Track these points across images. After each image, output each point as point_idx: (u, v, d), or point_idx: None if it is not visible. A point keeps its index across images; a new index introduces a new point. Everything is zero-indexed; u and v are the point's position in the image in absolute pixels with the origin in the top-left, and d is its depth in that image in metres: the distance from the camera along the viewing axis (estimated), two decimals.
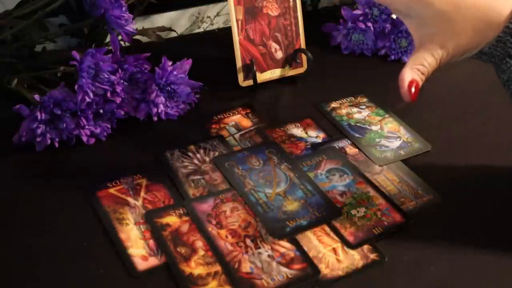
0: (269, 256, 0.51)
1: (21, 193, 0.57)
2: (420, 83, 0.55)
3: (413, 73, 0.55)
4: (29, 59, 0.72)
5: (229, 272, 0.49)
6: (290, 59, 0.75)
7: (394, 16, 0.84)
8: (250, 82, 0.73)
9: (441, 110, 0.71)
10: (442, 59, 0.55)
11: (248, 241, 0.52)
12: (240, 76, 0.73)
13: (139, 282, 0.49)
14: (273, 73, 0.74)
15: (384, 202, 0.57)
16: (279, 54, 0.74)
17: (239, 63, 0.72)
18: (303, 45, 0.76)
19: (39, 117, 0.60)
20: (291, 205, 0.56)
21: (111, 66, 0.62)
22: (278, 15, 0.74)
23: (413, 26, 0.56)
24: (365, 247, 0.52)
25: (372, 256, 0.52)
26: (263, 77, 0.74)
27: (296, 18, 0.75)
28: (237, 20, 0.71)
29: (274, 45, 0.73)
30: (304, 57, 0.76)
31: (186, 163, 0.61)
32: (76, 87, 0.60)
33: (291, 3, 0.75)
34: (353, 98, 0.74)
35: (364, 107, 0.73)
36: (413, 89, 0.55)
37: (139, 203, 0.56)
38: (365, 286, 0.50)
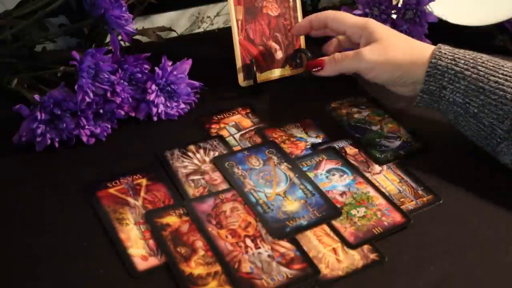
0: (269, 256, 0.51)
1: (21, 193, 0.57)
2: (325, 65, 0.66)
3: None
4: (29, 59, 0.72)
5: (229, 272, 0.49)
6: (290, 59, 0.76)
7: (394, 16, 0.84)
8: (250, 82, 0.73)
9: None
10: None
11: (248, 241, 0.52)
12: (240, 76, 0.73)
13: (139, 282, 0.49)
14: (273, 73, 0.74)
15: (384, 202, 0.57)
16: (279, 54, 0.74)
17: (239, 63, 0.72)
18: (303, 45, 0.76)
19: (39, 117, 0.60)
20: (291, 205, 0.56)
21: (111, 66, 0.62)
22: (278, 15, 0.74)
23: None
24: (365, 247, 0.53)
25: (372, 256, 0.52)
26: (263, 77, 0.74)
27: (296, 18, 0.75)
28: (237, 20, 0.71)
29: (274, 45, 0.73)
30: (304, 57, 0.76)
31: (186, 163, 0.61)
32: (76, 87, 0.60)
33: (291, 3, 0.75)
34: (353, 98, 0.74)
35: (364, 107, 0.73)
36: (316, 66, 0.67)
37: (139, 203, 0.56)
38: (365, 286, 0.50)
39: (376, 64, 0.63)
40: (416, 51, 0.63)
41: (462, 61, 0.60)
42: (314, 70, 0.68)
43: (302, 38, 0.76)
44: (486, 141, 0.60)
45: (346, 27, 0.67)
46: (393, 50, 0.63)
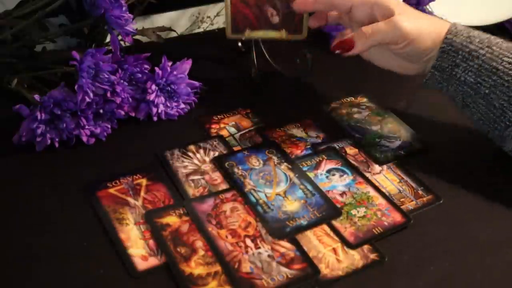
0: (269, 256, 0.51)
1: (21, 193, 0.57)
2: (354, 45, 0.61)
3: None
4: (29, 59, 0.72)
5: (229, 272, 0.49)
6: (289, 24, 0.70)
7: None
8: (239, 36, 0.69)
9: (441, 110, 0.71)
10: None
11: (248, 241, 0.52)
12: (228, 28, 0.69)
13: (139, 282, 0.49)
14: (267, 34, 0.70)
15: (384, 202, 0.57)
16: (276, 19, 0.69)
17: (228, 16, 0.68)
18: (305, 20, 0.70)
19: (39, 117, 0.60)
20: (291, 205, 0.56)
21: (111, 66, 0.62)
22: None
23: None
24: (365, 247, 0.52)
25: (372, 256, 0.52)
26: (254, 34, 0.70)
27: None
28: None
29: (270, 10, 0.68)
30: (305, 24, 0.69)
31: (186, 163, 0.61)
32: (76, 87, 0.60)
33: None
34: (353, 98, 0.74)
35: (364, 107, 0.73)
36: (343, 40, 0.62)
37: (139, 203, 0.56)
38: (365, 286, 0.50)
39: (413, 31, 0.59)
40: (436, 24, 0.60)
41: (477, 40, 0.58)
42: (342, 51, 0.62)
43: (305, 15, 0.69)
44: (494, 125, 0.59)
45: (353, 1, 0.62)
46: (421, 19, 0.60)
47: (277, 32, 0.70)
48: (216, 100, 0.73)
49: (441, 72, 0.60)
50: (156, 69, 0.67)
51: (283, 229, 0.54)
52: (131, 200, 0.56)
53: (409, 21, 0.59)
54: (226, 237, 0.53)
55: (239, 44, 0.82)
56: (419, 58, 0.61)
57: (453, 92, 0.61)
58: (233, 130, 0.68)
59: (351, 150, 0.65)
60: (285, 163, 0.62)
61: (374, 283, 0.50)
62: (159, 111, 0.67)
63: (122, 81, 0.64)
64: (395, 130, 0.68)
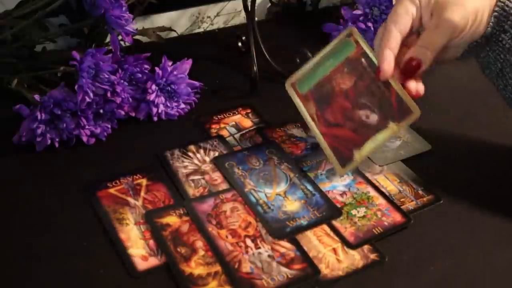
0: (269, 256, 0.51)
1: (21, 193, 0.57)
2: (425, 64, 0.53)
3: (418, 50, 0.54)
4: (29, 59, 0.72)
5: (229, 272, 0.49)
6: (390, 112, 0.57)
7: None
8: (350, 167, 0.57)
9: (441, 110, 0.71)
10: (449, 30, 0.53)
11: (248, 241, 0.52)
12: (337, 166, 0.57)
13: (139, 282, 0.49)
14: (376, 141, 0.56)
15: (385, 202, 0.57)
16: (374, 117, 0.57)
17: (329, 154, 0.58)
18: (399, 90, 0.56)
19: (39, 117, 0.60)
20: (291, 205, 0.56)
21: (111, 66, 0.62)
22: (354, 83, 0.60)
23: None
24: (365, 247, 0.52)
25: (372, 256, 0.52)
26: (365, 151, 0.56)
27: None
28: (310, 115, 0.61)
29: (362, 113, 0.58)
30: (406, 98, 0.56)
31: (186, 163, 0.61)
32: (76, 87, 0.60)
33: (363, 61, 0.59)
34: None
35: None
36: (414, 63, 0.54)
37: (139, 203, 0.56)
38: (365, 286, 0.50)
39: (464, 19, 0.53)
40: None
41: None
42: (412, 74, 0.55)
43: (394, 83, 0.55)
44: None
45: (419, 10, 0.55)
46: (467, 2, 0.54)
47: (386, 130, 0.56)
48: (216, 100, 0.73)
49: (486, 38, 0.56)
50: (156, 69, 0.67)
51: (283, 229, 0.54)
52: (131, 200, 0.56)
53: (455, 11, 0.53)
54: (226, 237, 0.53)
55: (239, 44, 0.82)
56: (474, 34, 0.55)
57: (492, 59, 0.57)
58: (233, 130, 0.68)
59: None
60: (285, 163, 0.62)
61: (374, 283, 0.50)
62: (159, 111, 0.67)
63: (122, 81, 0.64)
64: None
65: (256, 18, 0.77)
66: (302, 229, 0.54)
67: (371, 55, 0.58)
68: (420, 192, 0.59)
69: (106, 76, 0.62)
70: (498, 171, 0.62)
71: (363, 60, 0.60)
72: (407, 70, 0.54)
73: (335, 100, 0.60)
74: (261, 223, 0.54)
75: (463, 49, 0.58)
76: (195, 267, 0.49)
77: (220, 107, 0.71)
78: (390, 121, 0.56)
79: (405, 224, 0.55)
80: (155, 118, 0.68)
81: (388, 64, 0.54)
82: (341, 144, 0.58)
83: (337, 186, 0.59)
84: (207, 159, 0.62)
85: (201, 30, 0.92)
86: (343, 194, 0.58)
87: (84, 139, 0.63)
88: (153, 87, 0.66)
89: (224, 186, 0.59)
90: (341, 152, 0.58)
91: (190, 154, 0.63)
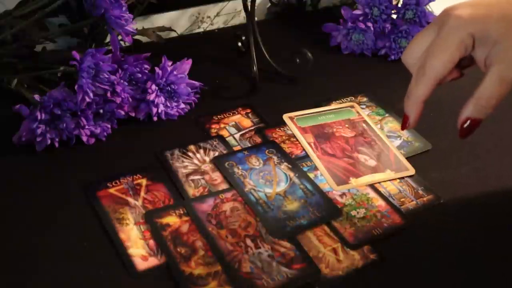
0: (269, 256, 0.51)
1: (21, 193, 0.57)
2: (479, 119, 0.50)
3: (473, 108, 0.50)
4: (29, 59, 0.72)
5: (229, 272, 0.49)
6: (388, 164, 0.62)
7: (394, 16, 0.84)
8: (346, 187, 0.59)
9: (441, 109, 0.71)
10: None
11: (248, 241, 0.52)
12: (332, 183, 0.59)
13: (139, 282, 0.49)
14: (374, 177, 0.60)
15: (384, 203, 0.57)
16: (372, 162, 0.62)
17: (326, 175, 0.60)
18: (398, 155, 0.63)
19: (39, 117, 0.60)
20: (291, 205, 0.56)
21: (111, 66, 0.62)
22: (355, 135, 0.66)
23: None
24: (365, 247, 0.52)
25: (372, 256, 0.52)
26: (362, 181, 0.60)
27: (377, 135, 0.66)
28: (309, 144, 0.64)
29: (362, 156, 0.62)
30: (403, 160, 0.62)
31: (186, 163, 0.61)
32: (76, 87, 0.60)
33: (365, 126, 0.67)
34: (353, 98, 0.74)
35: (364, 106, 0.73)
36: (465, 125, 0.50)
37: (139, 203, 0.56)
38: (365, 286, 0.50)
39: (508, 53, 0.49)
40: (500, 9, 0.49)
41: None
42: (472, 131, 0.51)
43: (393, 148, 0.61)
44: None
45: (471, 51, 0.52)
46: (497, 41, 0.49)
47: (384, 174, 0.61)
48: (216, 100, 0.73)
49: None
50: (156, 69, 0.67)
51: (283, 229, 0.54)
52: (131, 200, 0.56)
53: (505, 52, 0.49)
54: (226, 237, 0.53)
55: (239, 44, 0.82)
56: None
57: None
58: (233, 130, 0.68)
59: None
60: (285, 163, 0.62)
61: (374, 283, 0.50)
62: (159, 111, 0.67)
63: (122, 81, 0.64)
64: (395, 130, 0.68)
65: (256, 18, 0.77)
66: (302, 229, 0.54)
67: (372, 125, 0.67)
68: (420, 192, 0.59)
69: (106, 76, 0.62)
70: (498, 171, 0.62)
71: (364, 125, 0.67)
72: (469, 130, 0.50)
73: (335, 141, 0.64)
74: (261, 223, 0.54)
75: None
76: (195, 267, 0.50)
77: (220, 107, 0.71)
78: (388, 169, 0.61)
79: (405, 226, 0.55)
80: (155, 118, 0.68)
81: (416, 119, 0.53)
82: (339, 170, 0.61)
83: None
84: (207, 159, 0.62)
85: (201, 30, 0.92)
86: (342, 195, 0.58)
87: (84, 139, 0.63)
88: (153, 87, 0.66)
89: (224, 186, 0.59)
90: (338, 176, 0.60)
91: (190, 154, 0.63)
